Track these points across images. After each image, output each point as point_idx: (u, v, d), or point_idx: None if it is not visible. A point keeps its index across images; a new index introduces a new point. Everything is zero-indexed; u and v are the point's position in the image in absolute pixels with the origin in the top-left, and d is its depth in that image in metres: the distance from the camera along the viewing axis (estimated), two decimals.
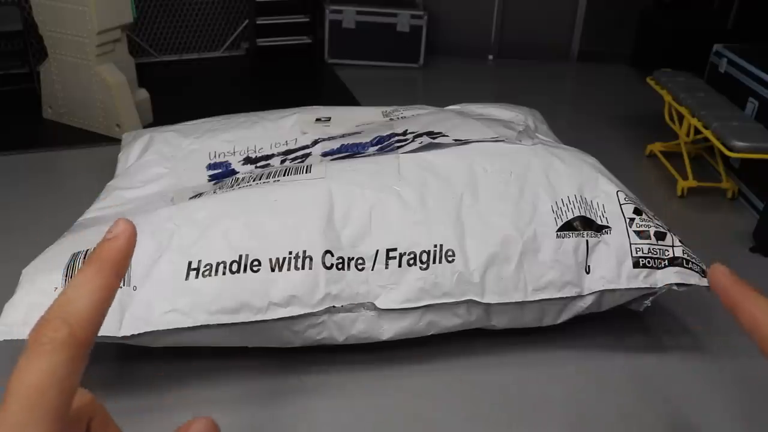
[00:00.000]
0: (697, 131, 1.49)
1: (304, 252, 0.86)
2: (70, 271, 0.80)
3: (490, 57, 2.51)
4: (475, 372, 0.92)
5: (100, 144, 1.67)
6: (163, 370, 0.86)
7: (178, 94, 2.04)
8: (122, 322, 0.79)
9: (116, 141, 1.65)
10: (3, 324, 0.77)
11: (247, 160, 1.20)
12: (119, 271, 0.54)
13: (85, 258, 0.80)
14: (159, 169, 1.20)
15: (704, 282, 0.95)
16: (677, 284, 0.93)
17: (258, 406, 0.84)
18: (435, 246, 0.91)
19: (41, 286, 0.79)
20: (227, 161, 1.21)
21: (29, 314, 0.77)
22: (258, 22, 2.28)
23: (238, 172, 1.16)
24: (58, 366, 0.43)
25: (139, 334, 0.79)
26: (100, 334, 0.80)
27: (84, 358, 0.46)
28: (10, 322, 0.76)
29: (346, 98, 2.02)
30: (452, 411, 0.85)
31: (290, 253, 0.86)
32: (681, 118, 1.58)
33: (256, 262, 0.85)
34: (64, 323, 0.44)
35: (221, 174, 1.16)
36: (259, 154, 1.22)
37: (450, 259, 0.91)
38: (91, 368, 0.94)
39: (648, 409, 0.87)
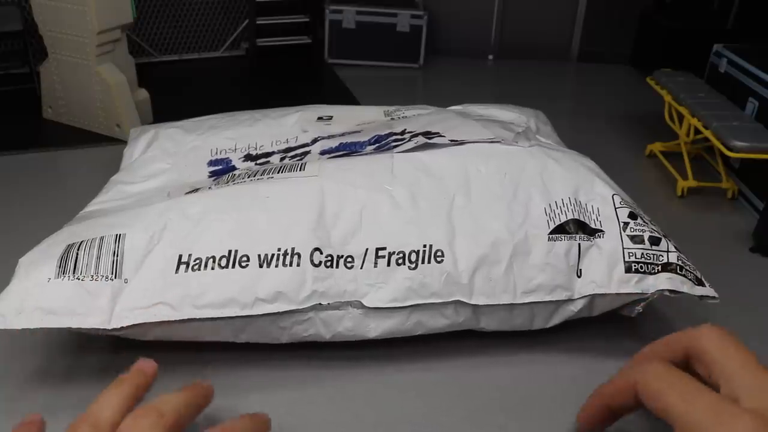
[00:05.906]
0: (697, 131, 1.49)
1: (293, 249, 0.86)
2: (62, 262, 0.80)
3: (490, 57, 2.51)
4: (473, 371, 0.92)
5: (100, 144, 1.67)
6: (161, 370, 0.86)
7: (178, 94, 2.04)
8: (112, 314, 0.79)
9: (116, 141, 1.65)
10: None
11: (248, 157, 1.20)
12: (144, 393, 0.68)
13: (79, 249, 0.82)
14: (161, 164, 1.20)
15: (696, 291, 0.91)
16: (669, 290, 0.90)
17: (257, 406, 0.84)
18: (425, 246, 0.90)
19: (35, 276, 0.80)
20: (228, 158, 1.21)
21: (24, 303, 0.77)
22: (258, 22, 2.29)
23: (237, 169, 1.16)
24: None
25: (128, 326, 0.80)
26: (90, 326, 0.87)
27: None
28: (5, 312, 0.77)
29: (346, 98, 2.02)
30: (450, 410, 0.85)
31: (279, 249, 0.86)
32: (681, 118, 1.58)
33: (244, 258, 0.85)
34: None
35: (222, 170, 1.16)
36: (260, 152, 1.21)
37: (439, 259, 0.90)
38: (88, 366, 0.94)
39: (642, 410, 0.86)
